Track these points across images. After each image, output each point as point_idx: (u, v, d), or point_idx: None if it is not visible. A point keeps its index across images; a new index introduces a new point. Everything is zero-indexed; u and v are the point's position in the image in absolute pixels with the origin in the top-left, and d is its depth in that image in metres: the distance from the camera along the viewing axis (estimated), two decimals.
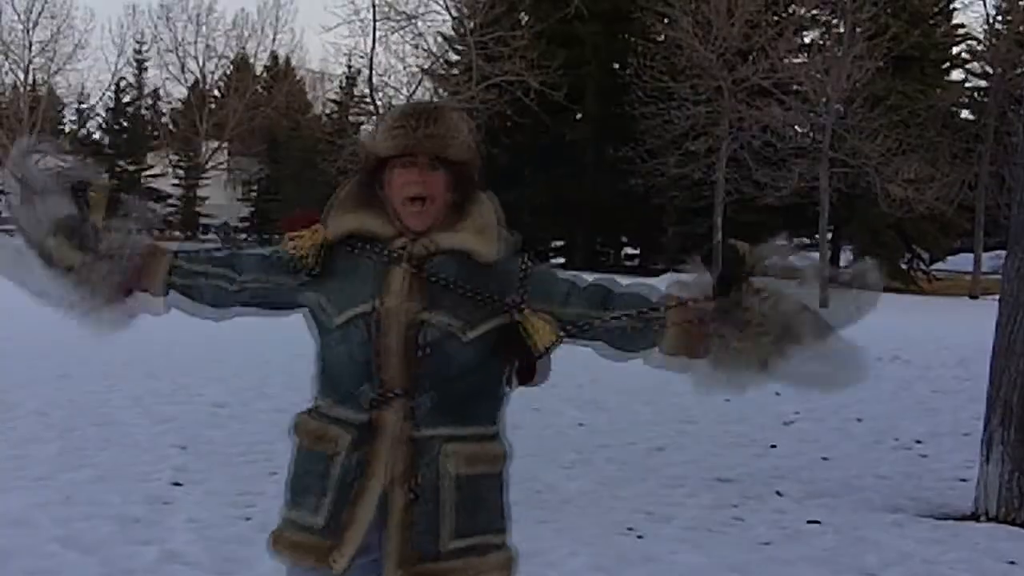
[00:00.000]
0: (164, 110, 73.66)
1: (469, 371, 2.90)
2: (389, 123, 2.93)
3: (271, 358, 13.07)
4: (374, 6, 39.43)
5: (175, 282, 3.05)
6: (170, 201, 65.21)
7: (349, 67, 58.27)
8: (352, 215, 2.94)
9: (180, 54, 71.81)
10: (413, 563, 2.89)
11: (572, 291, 2.96)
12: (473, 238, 2.90)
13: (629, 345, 2.96)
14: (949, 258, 53.94)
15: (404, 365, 2.86)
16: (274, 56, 74.53)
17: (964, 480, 8.10)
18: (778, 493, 7.79)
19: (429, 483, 2.89)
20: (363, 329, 2.86)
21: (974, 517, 7.30)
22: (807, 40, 43.50)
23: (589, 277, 3.04)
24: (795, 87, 37.48)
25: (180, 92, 73.64)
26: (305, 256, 2.92)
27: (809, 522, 6.97)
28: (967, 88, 52.56)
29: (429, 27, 44.61)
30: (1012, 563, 6.28)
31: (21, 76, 65.48)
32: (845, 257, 53.61)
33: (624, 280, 3.09)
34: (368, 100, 41.88)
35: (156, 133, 70.45)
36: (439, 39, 47.52)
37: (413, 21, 41.38)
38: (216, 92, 73.32)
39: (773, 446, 9.65)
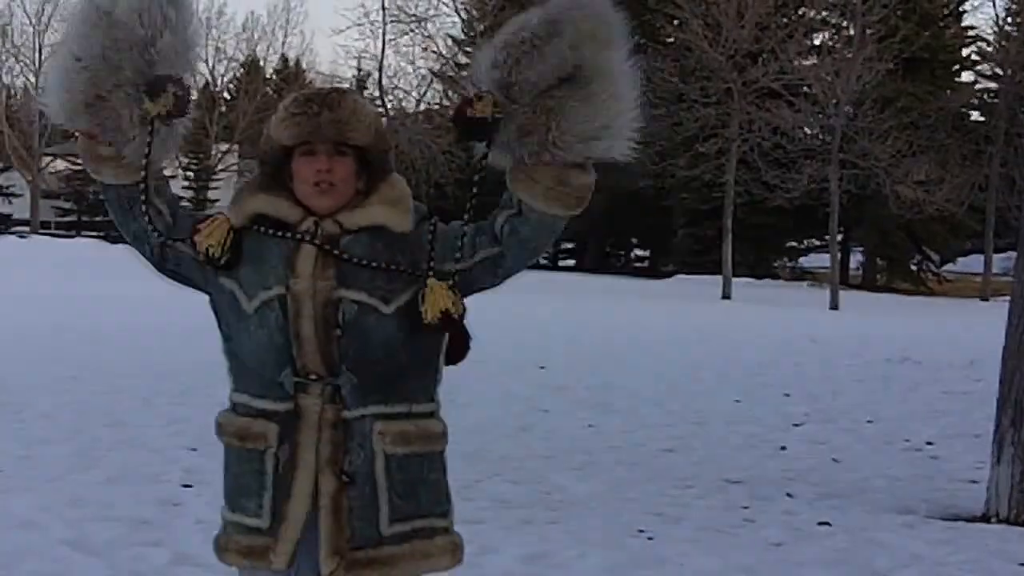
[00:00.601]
0: None
1: (392, 346, 2.81)
2: (289, 110, 2.83)
3: None
4: (384, 8, 39.48)
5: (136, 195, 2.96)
6: (181, 203, 65.33)
7: (359, 69, 58.16)
8: (257, 198, 2.88)
9: None
10: (349, 550, 2.82)
11: (475, 238, 2.86)
12: (384, 211, 2.84)
13: (532, 240, 2.87)
14: (959, 259, 53.93)
15: (321, 346, 2.79)
16: (284, 59, 74.71)
17: (975, 482, 8.07)
18: (788, 495, 7.77)
19: (363, 465, 2.82)
20: (278, 312, 2.79)
21: (985, 519, 7.28)
22: (817, 42, 43.49)
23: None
24: (805, 89, 37.41)
25: None
26: (212, 247, 2.84)
27: (820, 524, 6.96)
28: (977, 90, 52.51)
29: (439, 29, 44.71)
30: (1023, 565, 6.26)
31: (32, 79, 65.69)
32: (855, 259, 53.64)
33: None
34: (378, 102, 41.84)
35: None
36: (449, 41, 47.61)
37: (423, 23, 41.40)
38: (226, 94, 73.49)
39: (783, 448, 9.63)
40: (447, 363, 2.95)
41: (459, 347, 2.91)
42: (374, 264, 2.80)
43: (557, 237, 2.95)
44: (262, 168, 2.95)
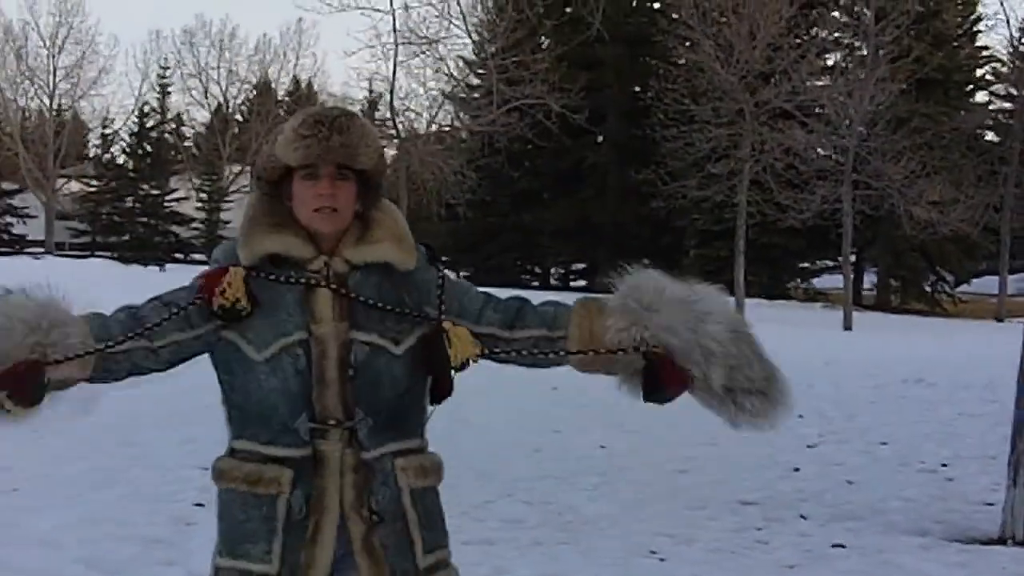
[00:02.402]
0: (187, 134, 74.17)
1: (400, 386, 2.83)
2: (297, 131, 2.79)
3: None
4: (395, 30, 39.48)
5: (94, 376, 2.90)
6: (193, 224, 65.57)
7: (370, 91, 58.37)
8: (270, 237, 2.83)
9: (203, 79, 72.24)
10: None
11: (485, 308, 2.92)
12: (391, 249, 2.86)
13: (538, 365, 2.97)
14: (974, 280, 53.72)
15: (341, 389, 2.78)
16: (296, 80, 74.92)
17: (991, 504, 8.04)
18: (802, 516, 7.76)
19: (390, 502, 2.83)
20: (299, 358, 2.77)
21: (1001, 541, 7.25)
22: (830, 63, 43.41)
23: (504, 294, 3.00)
24: (818, 109, 37.37)
25: (203, 116, 74.08)
26: (238, 300, 2.78)
27: (834, 546, 6.94)
28: (991, 110, 52.43)
29: (450, 51, 44.61)
30: None
31: (46, 101, 65.99)
32: (869, 280, 53.53)
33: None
34: (389, 124, 41.90)
35: (179, 157, 70.87)
36: (460, 63, 47.64)
37: (434, 45, 41.38)
38: (239, 116, 73.76)
39: (796, 469, 9.61)
40: (436, 402, 2.96)
41: (444, 388, 2.90)
42: (387, 307, 2.82)
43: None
44: (259, 185, 2.93)
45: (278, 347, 2.78)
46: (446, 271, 2.94)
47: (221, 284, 2.78)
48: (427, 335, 2.82)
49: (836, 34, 43.89)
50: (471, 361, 2.84)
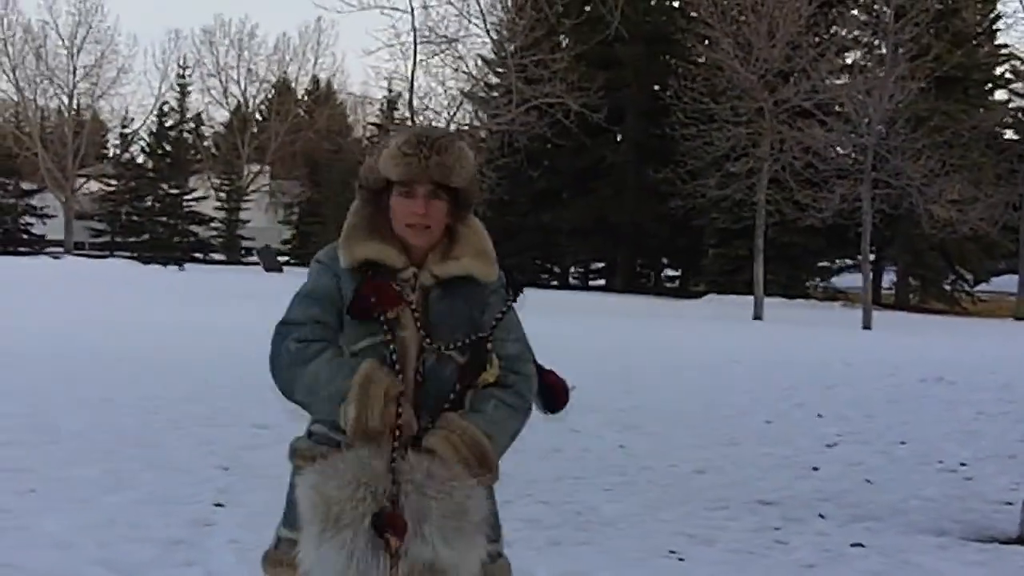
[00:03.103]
0: (206, 134, 74.42)
1: (458, 393, 3.11)
2: (400, 148, 3.07)
3: None
4: (415, 29, 39.48)
5: None
6: (212, 224, 65.74)
7: (390, 90, 58.55)
8: (368, 244, 3.11)
9: (222, 78, 72.64)
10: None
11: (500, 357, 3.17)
12: (474, 263, 3.15)
13: None
14: (993, 279, 53.54)
15: (413, 392, 3.05)
16: (315, 80, 75.22)
17: (1009, 503, 8.01)
18: (821, 516, 7.74)
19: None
20: (383, 357, 3.02)
21: (1019, 540, 7.22)
22: (849, 61, 43.34)
23: (515, 349, 3.24)
24: (837, 108, 37.27)
25: (222, 116, 74.49)
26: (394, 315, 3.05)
27: (852, 545, 6.92)
28: (1011, 108, 52.25)
29: (469, 50, 44.58)
30: None
31: (66, 101, 66.41)
32: (888, 279, 53.36)
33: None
34: (409, 123, 41.91)
35: (198, 156, 71.12)
36: (479, 62, 47.67)
37: (453, 44, 41.34)
38: (258, 116, 73.98)
39: (815, 469, 9.58)
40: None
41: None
42: (457, 329, 3.09)
43: None
44: (361, 193, 3.19)
45: (365, 345, 3.05)
46: (512, 303, 3.23)
47: (394, 305, 3.05)
48: (475, 344, 3.11)
49: (855, 32, 43.79)
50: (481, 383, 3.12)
